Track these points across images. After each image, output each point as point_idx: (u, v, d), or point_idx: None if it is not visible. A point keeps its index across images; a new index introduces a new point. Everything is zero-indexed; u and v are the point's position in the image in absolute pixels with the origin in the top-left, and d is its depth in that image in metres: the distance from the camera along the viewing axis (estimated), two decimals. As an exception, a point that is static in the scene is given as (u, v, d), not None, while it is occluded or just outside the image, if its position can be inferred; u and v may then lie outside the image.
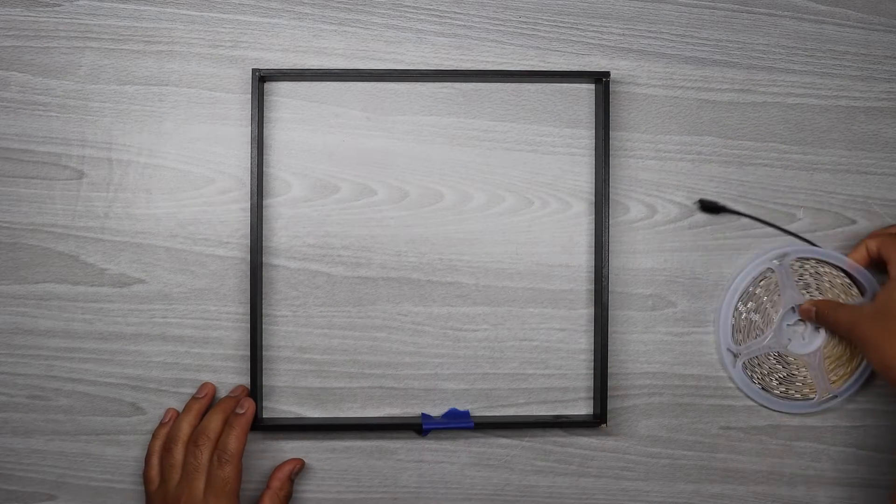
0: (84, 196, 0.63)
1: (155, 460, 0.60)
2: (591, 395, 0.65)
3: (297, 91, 0.63)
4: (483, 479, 0.65)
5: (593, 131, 0.64)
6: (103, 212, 0.63)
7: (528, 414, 0.65)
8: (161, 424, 0.62)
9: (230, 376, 0.63)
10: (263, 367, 0.63)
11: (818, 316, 0.62)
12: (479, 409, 0.65)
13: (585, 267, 0.64)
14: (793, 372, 0.64)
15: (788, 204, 0.65)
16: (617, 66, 0.64)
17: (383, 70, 0.63)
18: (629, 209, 0.64)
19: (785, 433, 0.65)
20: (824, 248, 0.64)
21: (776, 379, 0.64)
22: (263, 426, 0.62)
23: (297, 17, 0.63)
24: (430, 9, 0.64)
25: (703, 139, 0.65)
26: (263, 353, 0.63)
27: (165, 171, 0.63)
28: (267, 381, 0.63)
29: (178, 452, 0.59)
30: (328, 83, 0.64)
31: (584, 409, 0.65)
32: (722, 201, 0.64)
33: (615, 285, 0.64)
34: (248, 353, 0.62)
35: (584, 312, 0.65)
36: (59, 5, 0.63)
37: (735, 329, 0.64)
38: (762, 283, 0.64)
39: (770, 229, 0.65)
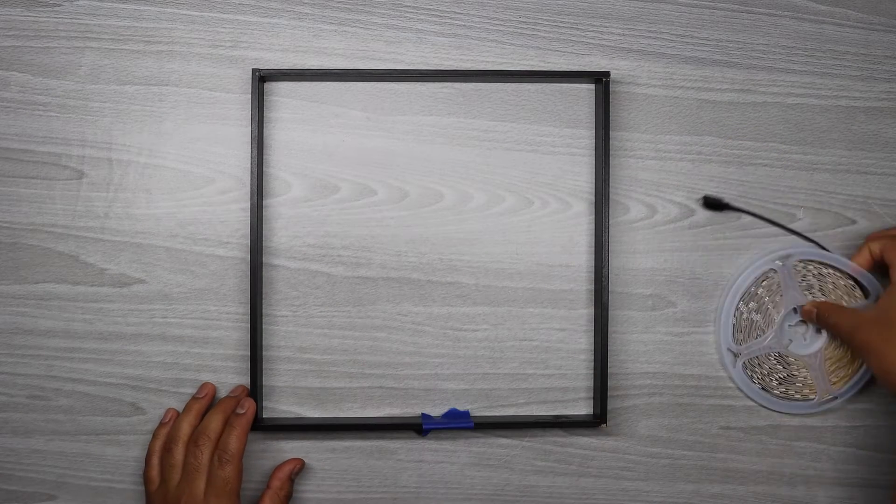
0: (84, 196, 0.63)
1: (155, 460, 0.60)
2: (591, 395, 0.65)
3: (297, 91, 0.63)
4: (483, 479, 0.65)
5: (593, 131, 0.64)
6: (103, 212, 0.63)
7: (528, 414, 0.65)
8: (161, 424, 0.62)
9: (230, 376, 0.63)
10: (263, 367, 0.63)
11: (819, 318, 0.62)
12: (479, 409, 0.65)
13: (585, 267, 0.64)
14: (793, 372, 0.64)
15: (788, 204, 0.65)
16: (617, 66, 0.64)
17: (383, 70, 0.63)
18: (629, 209, 0.64)
19: (785, 433, 0.65)
20: (826, 247, 0.64)
21: (776, 379, 0.64)
22: (263, 426, 0.62)
23: (297, 17, 0.63)
24: (430, 9, 0.64)
25: (703, 139, 0.65)
26: (263, 353, 0.63)
27: (165, 171, 0.63)
28: (267, 381, 0.63)
29: (179, 452, 0.59)
30: (328, 83, 0.64)
31: (584, 409, 0.65)
32: (726, 198, 0.64)
33: (615, 285, 0.64)
34: (248, 353, 0.62)
35: (584, 312, 0.65)
36: (59, 5, 0.63)
37: (736, 329, 0.64)
38: (764, 283, 0.64)
39: (771, 229, 0.65)
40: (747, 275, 0.64)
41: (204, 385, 0.63)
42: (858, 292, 0.64)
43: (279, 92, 0.63)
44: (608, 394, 0.63)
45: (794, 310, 0.64)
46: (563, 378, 0.65)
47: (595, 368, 0.64)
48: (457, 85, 0.64)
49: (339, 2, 0.63)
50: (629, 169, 0.65)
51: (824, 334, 0.64)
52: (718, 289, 0.65)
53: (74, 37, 0.63)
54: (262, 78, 0.62)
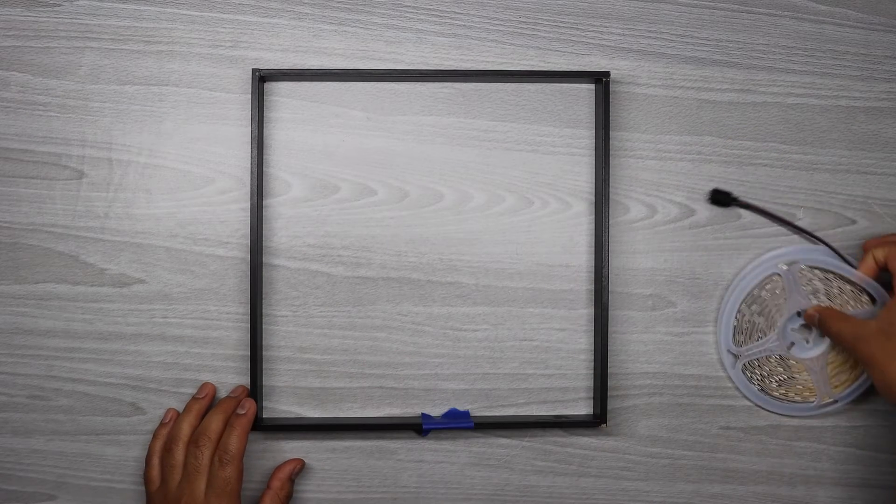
0: (84, 196, 0.63)
1: (156, 460, 0.60)
2: (591, 395, 0.65)
3: (297, 91, 0.63)
4: (483, 479, 0.65)
5: (593, 131, 0.64)
6: (103, 212, 0.63)
7: (528, 414, 0.65)
8: (161, 424, 0.62)
9: (230, 376, 0.63)
10: (263, 367, 0.63)
11: (821, 324, 0.62)
12: (479, 409, 0.65)
13: (585, 267, 0.64)
14: (793, 375, 0.64)
15: (788, 204, 0.65)
16: (617, 66, 0.64)
17: (383, 70, 0.63)
18: (629, 209, 0.64)
19: (785, 433, 0.65)
20: (834, 247, 0.64)
21: (776, 381, 0.64)
22: (263, 426, 0.62)
23: (297, 17, 0.63)
24: (430, 9, 0.64)
25: (703, 139, 0.65)
26: (263, 353, 0.63)
27: (165, 171, 0.63)
28: (267, 381, 0.63)
29: (179, 453, 0.59)
30: (328, 83, 0.64)
31: (584, 409, 0.65)
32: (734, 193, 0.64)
33: (615, 285, 0.64)
34: (248, 353, 0.62)
35: (584, 312, 0.65)
36: (59, 5, 0.63)
37: (737, 331, 0.64)
38: (768, 286, 0.63)
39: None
40: (751, 277, 0.63)
41: (204, 385, 0.63)
42: (865, 297, 0.63)
43: (279, 92, 0.63)
44: (608, 394, 0.63)
45: (798, 313, 0.64)
46: (563, 378, 0.65)
47: (595, 368, 0.64)
48: (457, 85, 0.64)
49: (339, 2, 0.63)
50: (629, 169, 0.65)
51: (828, 338, 0.64)
52: (718, 289, 0.65)
53: (74, 37, 0.63)
54: (262, 78, 0.62)
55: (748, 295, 0.63)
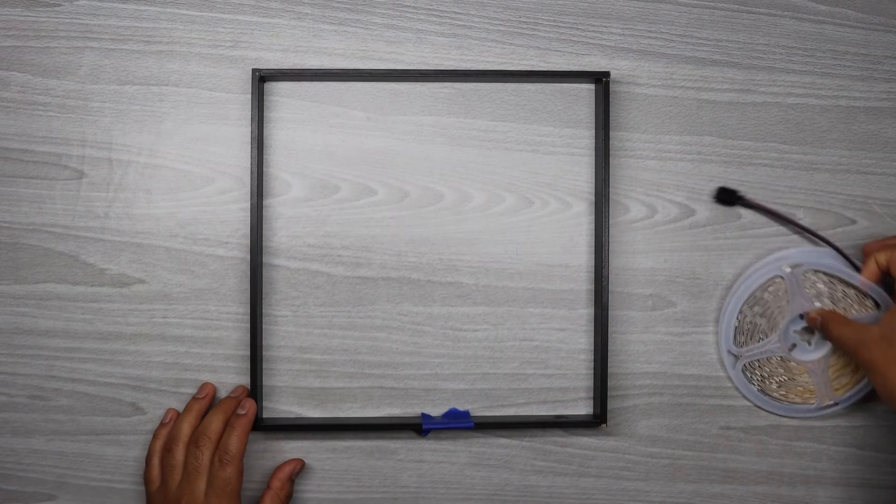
0: (84, 196, 0.63)
1: (156, 461, 0.60)
2: (591, 395, 0.65)
3: (297, 91, 0.63)
4: (483, 479, 0.65)
5: (593, 131, 0.64)
6: (103, 212, 0.63)
7: (528, 414, 0.65)
8: (161, 425, 0.62)
9: (230, 376, 0.63)
10: (263, 367, 0.63)
11: (823, 328, 0.61)
12: (479, 409, 0.65)
13: (585, 267, 0.64)
14: (794, 376, 0.64)
15: (788, 204, 0.65)
16: (617, 66, 0.64)
17: (383, 70, 0.63)
18: (629, 209, 0.64)
19: (785, 433, 0.65)
20: (841, 249, 0.63)
21: (776, 382, 0.64)
22: (264, 426, 0.62)
23: (297, 17, 0.63)
24: (430, 9, 0.64)
25: (703, 139, 0.65)
26: (263, 353, 0.63)
27: (165, 171, 0.63)
28: (267, 381, 0.63)
29: (179, 453, 0.59)
30: (328, 83, 0.64)
31: (584, 409, 0.65)
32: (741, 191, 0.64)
33: (615, 285, 0.64)
34: (248, 353, 0.62)
35: (584, 312, 0.65)
36: (59, 5, 0.63)
37: (738, 331, 0.64)
38: (770, 288, 0.63)
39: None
40: (753, 279, 0.63)
41: (204, 385, 0.63)
42: (870, 301, 0.63)
43: (279, 92, 0.63)
44: (608, 394, 0.63)
45: (801, 315, 0.63)
46: (563, 378, 0.65)
47: (595, 368, 0.64)
48: (457, 85, 0.64)
49: (339, 2, 0.63)
50: (629, 169, 0.64)
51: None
52: (718, 289, 0.65)
53: (74, 37, 0.63)
54: (262, 78, 0.62)
55: (750, 296, 0.63)
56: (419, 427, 0.62)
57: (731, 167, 0.65)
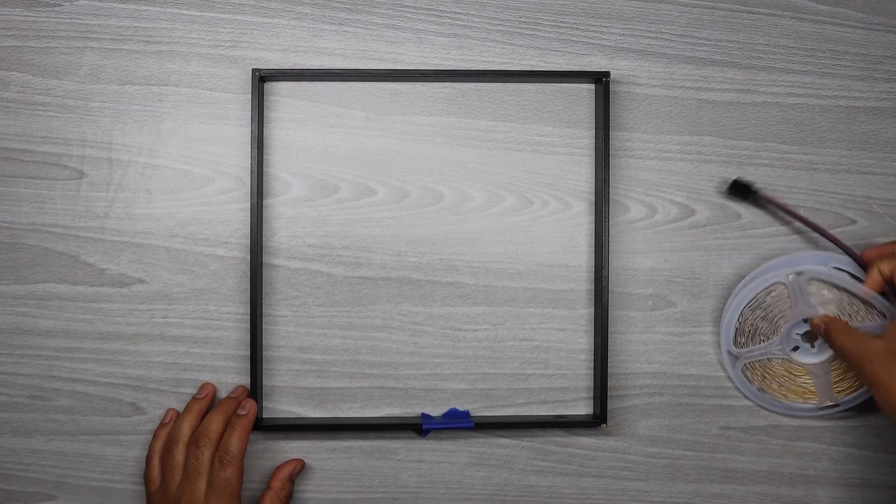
0: (84, 196, 0.63)
1: (156, 461, 0.60)
2: (591, 395, 0.65)
3: (297, 91, 0.63)
4: (483, 479, 0.65)
5: (593, 131, 0.64)
6: (103, 212, 0.63)
7: (528, 414, 0.65)
8: (161, 425, 0.62)
9: (230, 376, 0.63)
10: (263, 367, 0.63)
11: (827, 335, 0.60)
12: (479, 409, 0.65)
13: (585, 267, 0.64)
14: (795, 378, 0.64)
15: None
16: (617, 66, 0.64)
17: (383, 70, 0.63)
18: (629, 209, 0.64)
19: (785, 433, 0.65)
20: (853, 250, 0.62)
21: (776, 382, 0.64)
22: (264, 426, 0.62)
23: (297, 17, 0.63)
24: (430, 9, 0.64)
25: (703, 139, 0.65)
26: (263, 353, 0.63)
27: (165, 171, 0.63)
28: (267, 381, 0.63)
29: (179, 453, 0.59)
30: (328, 83, 0.64)
31: (584, 409, 0.65)
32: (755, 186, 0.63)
33: (615, 285, 0.64)
34: (248, 353, 0.62)
35: (584, 312, 0.65)
36: (59, 5, 0.63)
37: (738, 332, 0.63)
38: (773, 293, 0.62)
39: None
40: (755, 285, 0.62)
41: (204, 385, 0.63)
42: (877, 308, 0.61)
43: (279, 92, 0.63)
44: (608, 394, 0.63)
45: (805, 319, 0.62)
46: (563, 378, 0.65)
47: (595, 368, 0.64)
48: (457, 85, 0.64)
49: (339, 2, 0.63)
50: (629, 169, 0.65)
51: None
52: (718, 289, 0.65)
53: (74, 37, 0.63)
54: (262, 78, 0.62)
55: (752, 299, 0.63)
56: (419, 427, 0.62)
57: (731, 167, 0.65)
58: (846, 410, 0.65)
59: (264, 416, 0.63)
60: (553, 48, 0.64)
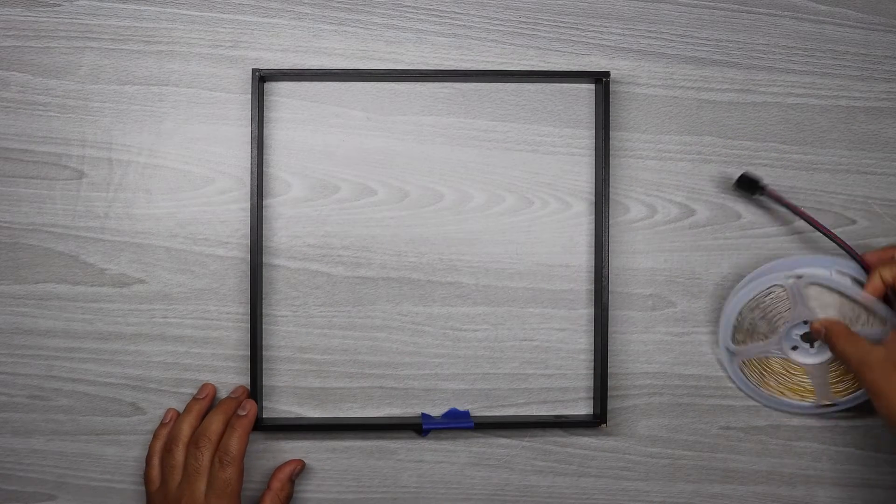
0: (84, 196, 0.63)
1: (156, 461, 0.60)
2: (591, 395, 0.65)
3: (297, 91, 0.63)
4: (483, 479, 0.65)
5: (593, 131, 0.64)
6: (103, 212, 0.63)
7: (528, 414, 0.65)
8: (161, 425, 0.62)
9: (230, 376, 0.63)
10: (263, 367, 0.63)
11: (827, 339, 0.59)
12: (479, 409, 0.65)
13: (585, 267, 0.64)
14: (792, 376, 0.64)
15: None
16: (617, 66, 0.64)
17: (383, 70, 0.63)
18: (629, 209, 0.64)
19: (785, 433, 0.65)
20: (856, 251, 0.61)
21: (774, 379, 0.64)
22: (264, 426, 0.62)
23: (297, 17, 0.63)
24: (430, 9, 0.64)
25: (703, 139, 0.65)
26: (263, 353, 0.63)
27: (165, 171, 0.63)
28: (267, 381, 0.63)
29: (179, 453, 0.59)
30: (328, 83, 0.64)
31: (584, 409, 0.65)
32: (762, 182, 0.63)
33: (615, 285, 0.64)
34: (248, 353, 0.62)
35: (584, 312, 0.65)
36: (59, 5, 0.63)
37: (737, 330, 0.63)
38: (772, 294, 0.62)
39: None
40: (754, 286, 0.61)
41: (204, 386, 0.63)
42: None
43: (279, 92, 0.63)
44: (608, 394, 0.63)
45: (805, 321, 0.62)
46: (563, 378, 0.65)
47: (595, 368, 0.64)
48: (457, 85, 0.64)
49: (339, 2, 0.63)
50: (629, 169, 0.65)
51: None
52: (719, 289, 0.65)
53: (74, 37, 0.63)
54: (262, 78, 0.62)
55: (751, 299, 0.62)
56: (419, 427, 0.62)
57: (731, 167, 0.65)
58: (845, 410, 0.65)
59: (264, 416, 0.63)
60: (553, 48, 0.64)
